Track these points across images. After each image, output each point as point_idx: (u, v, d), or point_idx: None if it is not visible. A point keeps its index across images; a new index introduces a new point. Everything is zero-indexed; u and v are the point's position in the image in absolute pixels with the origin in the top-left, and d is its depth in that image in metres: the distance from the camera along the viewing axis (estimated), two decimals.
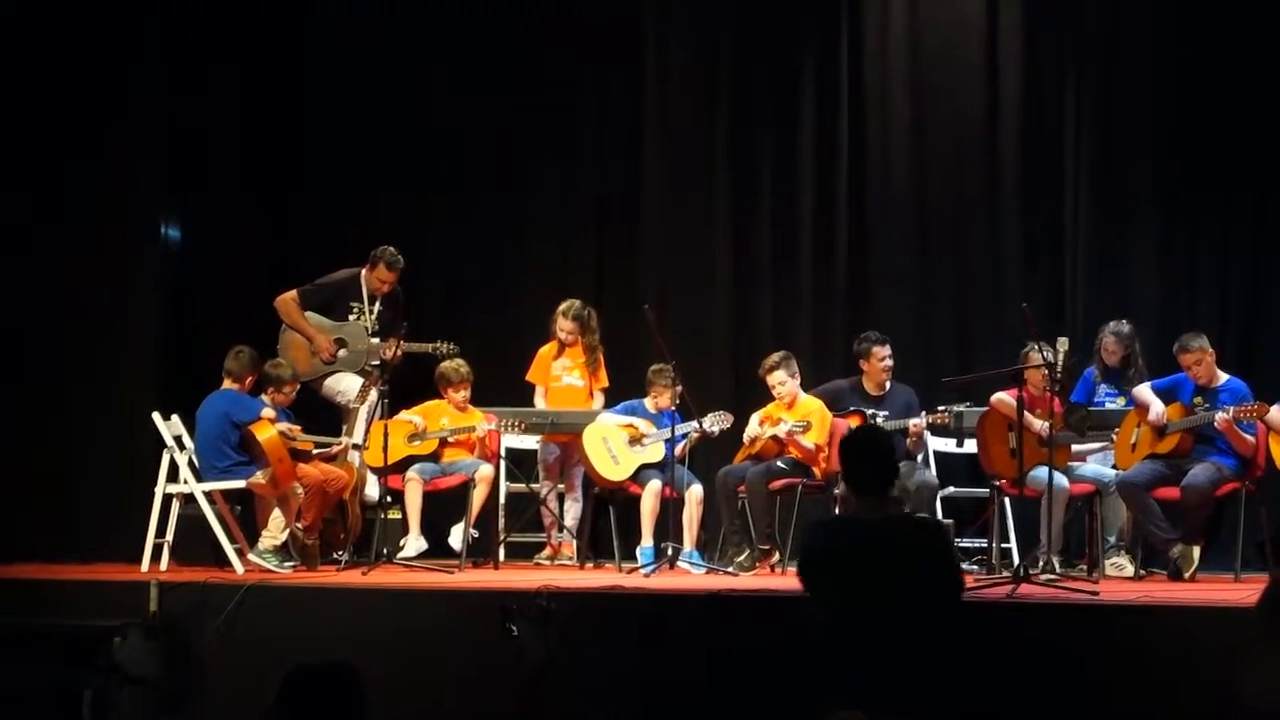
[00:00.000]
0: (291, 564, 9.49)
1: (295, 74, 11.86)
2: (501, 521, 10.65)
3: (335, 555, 9.81)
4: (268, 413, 9.62)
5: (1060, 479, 9.45)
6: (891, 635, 5.61)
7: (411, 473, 10.11)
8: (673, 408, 10.15)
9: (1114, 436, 9.88)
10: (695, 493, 10.10)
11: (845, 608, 5.66)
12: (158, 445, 9.70)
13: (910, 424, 10.26)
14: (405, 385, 10.31)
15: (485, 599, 7.95)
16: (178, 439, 9.70)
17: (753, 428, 10.26)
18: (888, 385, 10.51)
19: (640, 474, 10.20)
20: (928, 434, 10.57)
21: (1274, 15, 11.08)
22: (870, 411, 10.41)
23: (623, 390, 10.73)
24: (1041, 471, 9.23)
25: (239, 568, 9.36)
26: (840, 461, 6.24)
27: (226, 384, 9.80)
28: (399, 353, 10.06)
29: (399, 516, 10.20)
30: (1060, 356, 9.10)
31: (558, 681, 7.58)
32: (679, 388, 10.12)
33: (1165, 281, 11.32)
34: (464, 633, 7.80)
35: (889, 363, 10.48)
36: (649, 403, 10.37)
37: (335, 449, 10.02)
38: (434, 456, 10.27)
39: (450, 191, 12.06)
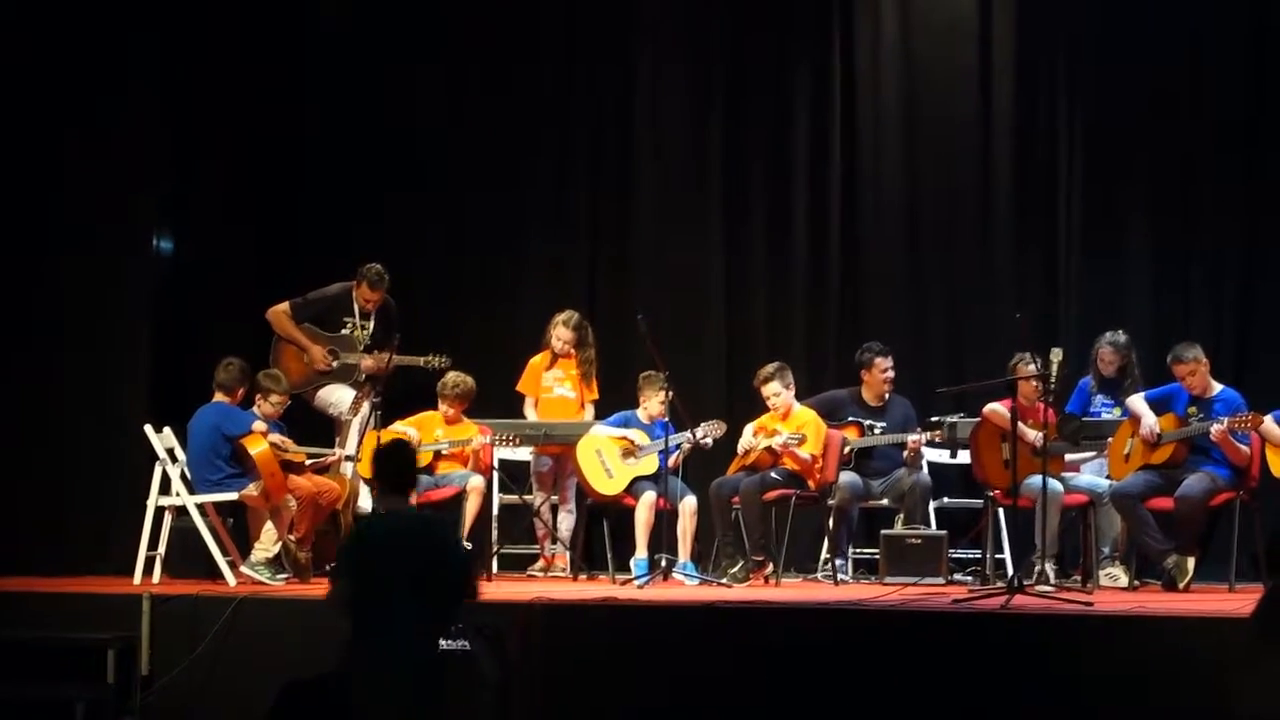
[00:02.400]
0: (284, 576, 9.47)
1: (293, 85, 11.83)
2: (495, 533, 10.63)
3: (328, 567, 9.77)
4: (259, 425, 9.59)
5: (1055, 484, 9.44)
6: (413, 610, 6.45)
7: None
8: (665, 417, 10.13)
9: (1108, 446, 9.87)
10: (689, 504, 10.08)
11: (381, 588, 6.46)
12: (150, 458, 9.68)
13: (909, 440, 10.28)
14: (399, 397, 10.30)
15: (484, 615, 7.92)
16: (169, 451, 9.68)
17: (747, 438, 10.23)
18: (887, 397, 10.51)
19: (634, 485, 10.17)
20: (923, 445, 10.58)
21: (1268, 19, 11.09)
22: (868, 423, 10.41)
23: (615, 401, 10.70)
24: (1035, 479, 9.22)
25: (231, 580, 9.33)
26: (374, 467, 7.15)
27: (217, 397, 9.77)
28: (389, 364, 10.04)
29: None
30: (1055, 367, 9.09)
31: (549, 692, 7.62)
32: (670, 394, 10.08)
33: (1159, 290, 11.32)
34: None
35: (890, 374, 10.49)
36: (641, 412, 10.35)
37: (328, 461, 10.01)
38: (428, 468, 10.25)
39: (443, 201, 12.05)
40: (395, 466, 6.81)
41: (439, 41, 12.01)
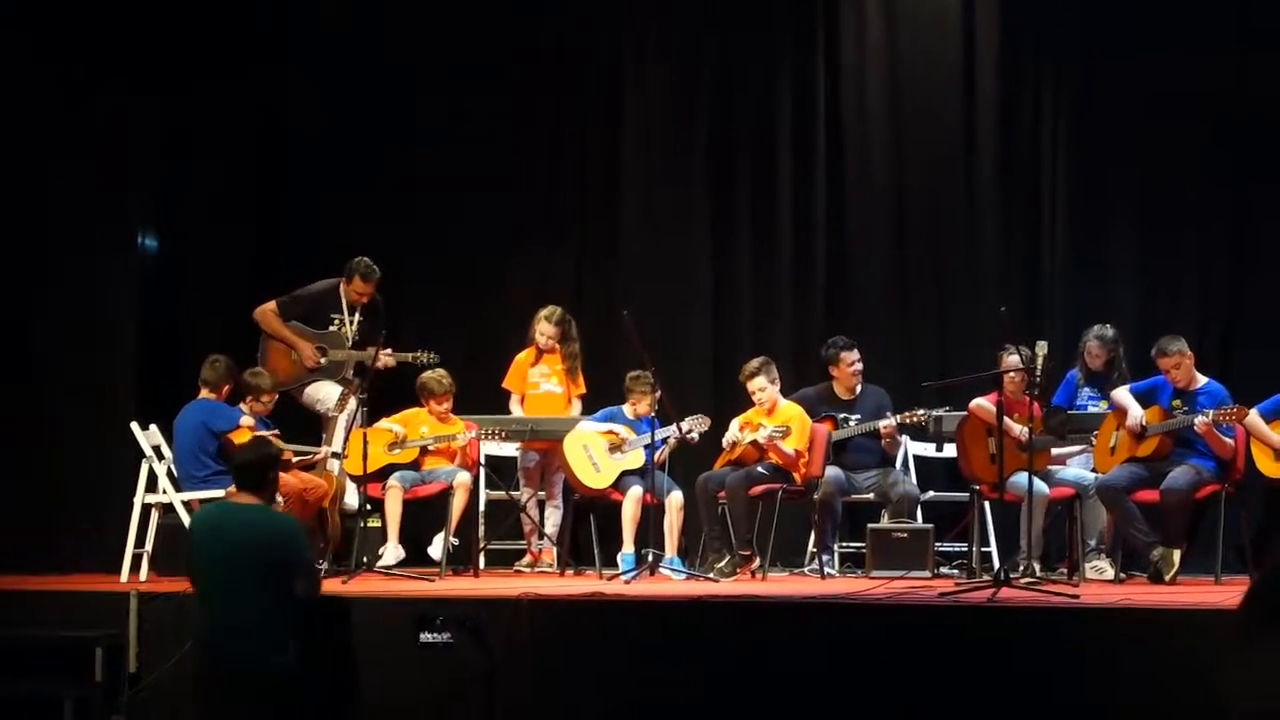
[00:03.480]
0: None
1: (278, 81, 11.83)
2: (481, 529, 10.63)
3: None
4: (246, 421, 9.60)
5: (1040, 484, 9.45)
6: (237, 604, 6.83)
7: (391, 480, 10.09)
8: (652, 413, 10.14)
9: (1093, 439, 9.89)
10: (676, 499, 10.09)
11: (207, 577, 6.90)
12: (136, 455, 9.69)
13: (880, 425, 10.28)
14: (385, 393, 10.30)
15: (465, 607, 7.93)
16: (156, 449, 9.68)
17: (732, 433, 10.25)
18: (859, 389, 10.52)
19: (621, 480, 10.18)
20: (906, 439, 10.59)
21: (1251, 16, 11.12)
22: (842, 416, 10.42)
23: (601, 396, 10.71)
24: (1021, 476, 9.24)
25: None
26: (233, 462, 7.57)
27: (203, 393, 9.77)
28: (381, 356, 10.07)
29: (379, 525, 10.19)
30: (1039, 361, 9.10)
31: (537, 688, 7.63)
32: (658, 394, 10.11)
33: (1143, 285, 11.34)
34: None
35: (858, 367, 10.49)
36: (628, 409, 10.36)
37: (315, 457, 10.01)
38: (414, 464, 10.25)
39: (431, 199, 12.04)
40: (244, 464, 7.17)
41: (433, 41, 11.98)
